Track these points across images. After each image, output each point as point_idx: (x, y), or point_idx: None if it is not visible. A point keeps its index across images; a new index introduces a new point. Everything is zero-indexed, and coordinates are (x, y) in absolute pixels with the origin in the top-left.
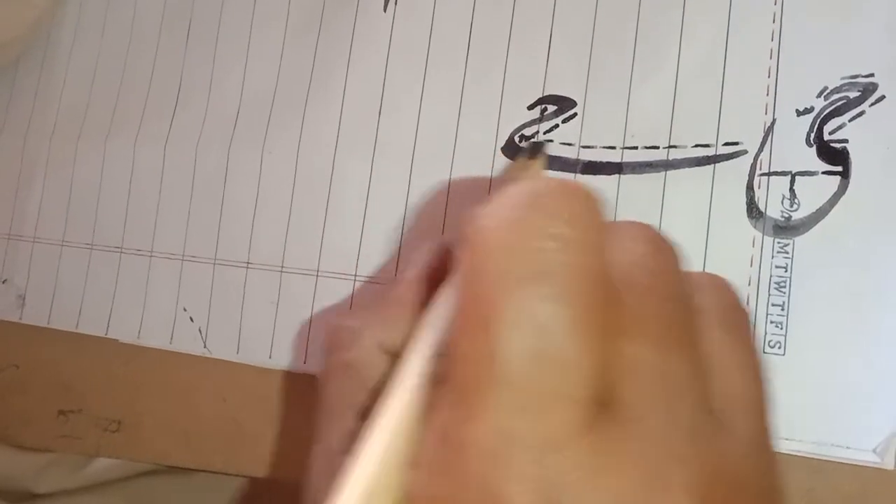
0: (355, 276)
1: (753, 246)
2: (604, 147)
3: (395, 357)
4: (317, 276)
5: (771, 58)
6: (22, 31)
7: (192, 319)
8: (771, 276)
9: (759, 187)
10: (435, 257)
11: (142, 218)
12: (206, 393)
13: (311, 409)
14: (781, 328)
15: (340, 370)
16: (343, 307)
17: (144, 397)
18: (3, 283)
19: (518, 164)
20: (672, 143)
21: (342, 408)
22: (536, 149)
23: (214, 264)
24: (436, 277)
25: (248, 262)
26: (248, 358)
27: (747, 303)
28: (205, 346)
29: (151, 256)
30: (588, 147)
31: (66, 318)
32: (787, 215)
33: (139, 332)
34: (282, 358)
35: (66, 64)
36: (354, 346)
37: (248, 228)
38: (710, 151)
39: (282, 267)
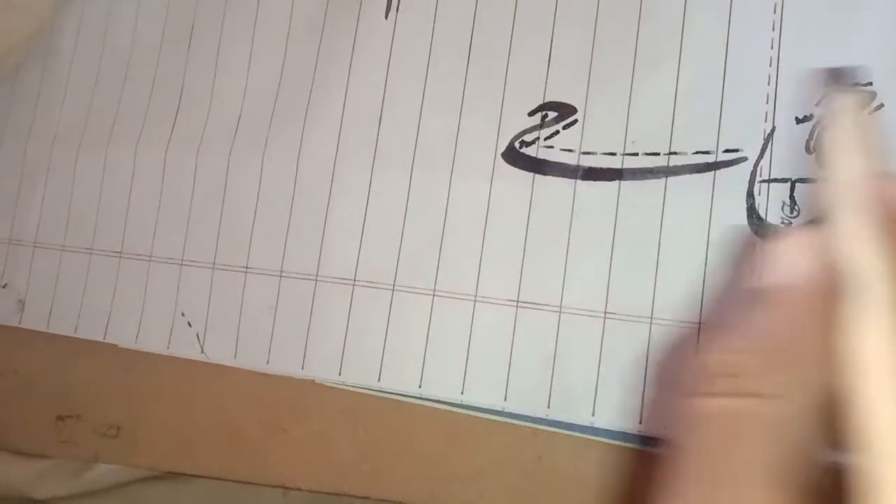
0: (354, 280)
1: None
2: (604, 153)
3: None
4: (315, 281)
5: (770, 66)
6: (21, 40)
7: (190, 324)
8: None
9: (759, 194)
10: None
11: (141, 223)
12: (205, 398)
13: (308, 414)
14: None
15: (765, 422)
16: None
17: (143, 403)
18: (3, 287)
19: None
20: (673, 150)
21: (764, 476)
22: (840, 77)
23: (213, 269)
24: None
25: (246, 267)
26: (246, 363)
27: None
28: (202, 351)
29: (150, 261)
30: (589, 153)
31: (65, 322)
32: (787, 222)
33: (137, 336)
34: (280, 363)
35: (67, 70)
36: (776, 391)
37: (248, 233)
38: (710, 158)
39: (281, 272)
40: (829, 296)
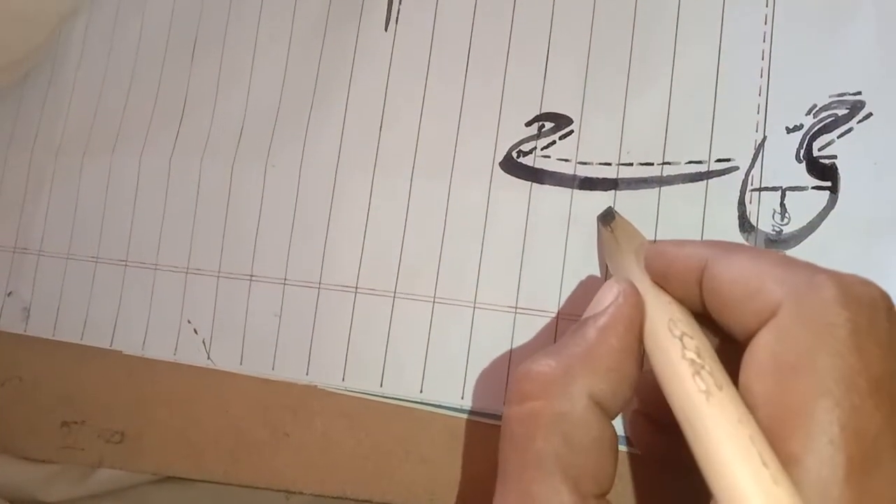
0: (356, 288)
1: None
2: (600, 163)
3: (605, 412)
4: (319, 288)
5: (761, 77)
6: (29, 51)
7: (196, 331)
8: None
9: (750, 202)
10: (627, 299)
11: (146, 231)
12: (209, 404)
13: (311, 419)
14: None
15: (548, 422)
16: (535, 345)
17: (147, 408)
18: (9, 295)
19: (607, 235)
20: (666, 160)
21: (548, 468)
22: (608, 216)
23: (218, 277)
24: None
25: (251, 275)
26: (251, 369)
27: None
28: (208, 358)
29: (156, 269)
30: (584, 163)
31: (71, 330)
32: (778, 229)
33: (143, 344)
34: (284, 369)
35: (73, 79)
36: (562, 395)
37: (252, 241)
38: (702, 168)
39: (285, 279)
40: (623, 320)
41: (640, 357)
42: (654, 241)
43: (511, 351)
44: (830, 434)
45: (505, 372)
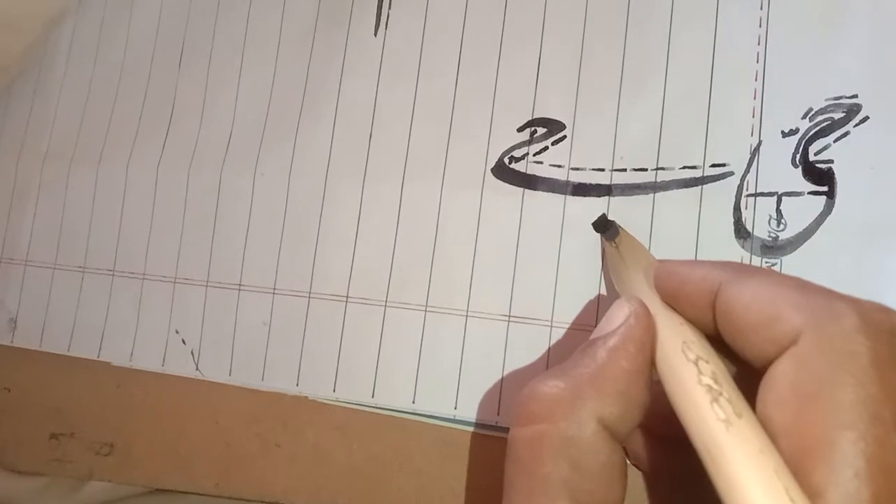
0: (347, 297)
1: None
2: (593, 169)
3: (614, 436)
4: (309, 297)
5: (756, 80)
6: (13, 58)
7: (184, 342)
8: None
9: (745, 208)
10: (639, 320)
11: (134, 240)
12: (199, 415)
13: (303, 430)
14: None
15: (556, 446)
16: (538, 366)
17: (136, 420)
18: None
19: (611, 251)
20: (660, 165)
21: (556, 493)
22: (605, 225)
23: (207, 286)
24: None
25: (240, 284)
26: (240, 380)
27: None
28: (197, 369)
29: (144, 279)
30: (577, 169)
31: (58, 340)
32: (774, 235)
33: (131, 354)
34: (274, 380)
35: (59, 87)
36: (571, 418)
37: (241, 250)
38: (697, 173)
39: (274, 289)
40: (633, 342)
41: (651, 380)
42: (664, 259)
43: (504, 361)
44: (856, 467)
45: (498, 382)
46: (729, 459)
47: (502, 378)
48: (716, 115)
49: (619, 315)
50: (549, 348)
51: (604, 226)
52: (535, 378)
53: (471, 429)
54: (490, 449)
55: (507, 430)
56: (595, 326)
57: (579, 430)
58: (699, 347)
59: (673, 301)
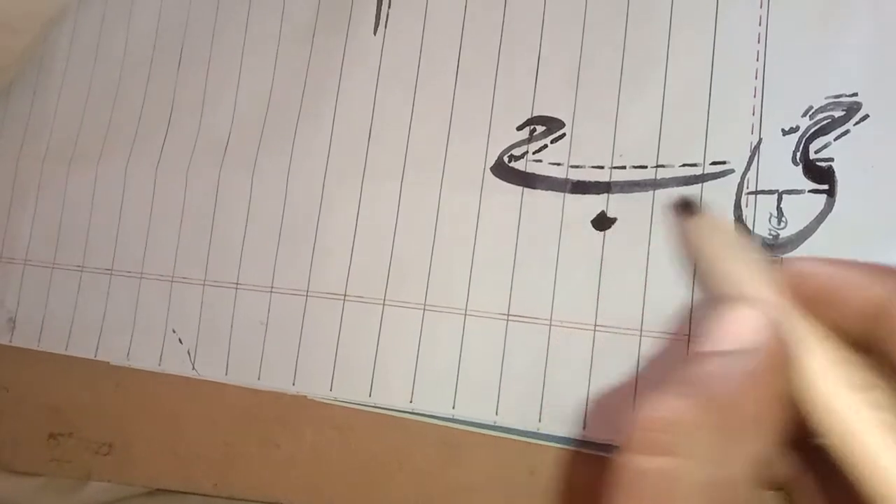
0: (345, 296)
1: None
2: (592, 167)
3: (758, 481)
4: (306, 296)
5: (756, 78)
6: (12, 58)
7: (181, 341)
8: None
9: (746, 206)
10: (777, 335)
11: (132, 240)
12: (198, 415)
13: (300, 429)
14: None
15: (695, 486)
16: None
17: (135, 420)
18: None
19: (694, 226)
20: (660, 163)
21: None
22: (690, 207)
23: (204, 285)
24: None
25: (237, 283)
26: (236, 379)
27: None
28: (193, 368)
29: (141, 278)
30: (577, 167)
31: (56, 340)
32: (774, 233)
33: (129, 353)
34: (270, 379)
35: (58, 88)
36: (714, 457)
37: (238, 250)
38: (697, 171)
39: (271, 288)
40: (774, 363)
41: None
42: (797, 256)
43: (503, 361)
44: None
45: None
46: None
47: (501, 377)
48: (716, 112)
49: (742, 324)
50: (548, 348)
51: (689, 208)
52: (654, 398)
53: (469, 428)
54: (488, 448)
55: (503, 428)
56: (593, 325)
57: (728, 471)
58: (862, 370)
59: (811, 306)
